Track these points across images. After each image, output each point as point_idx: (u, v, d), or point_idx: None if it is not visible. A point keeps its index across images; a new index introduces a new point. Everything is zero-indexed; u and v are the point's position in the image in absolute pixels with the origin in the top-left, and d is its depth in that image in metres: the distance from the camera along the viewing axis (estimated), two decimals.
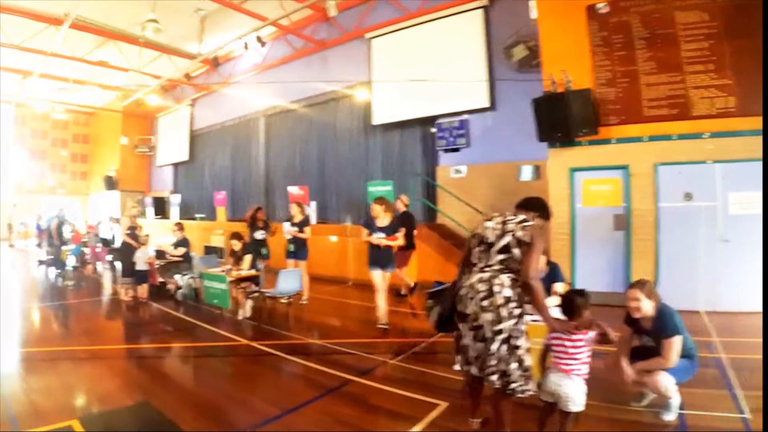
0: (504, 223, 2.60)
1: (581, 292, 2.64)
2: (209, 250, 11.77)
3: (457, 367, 2.79)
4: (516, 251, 2.47)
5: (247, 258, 5.75)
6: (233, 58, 13.94)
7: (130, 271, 6.83)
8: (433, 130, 9.35)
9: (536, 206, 2.81)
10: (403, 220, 6.73)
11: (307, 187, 10.04)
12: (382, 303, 5.04)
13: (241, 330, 5.13)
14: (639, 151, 6.42)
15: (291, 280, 5.35)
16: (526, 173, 8.42)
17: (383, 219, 5.11)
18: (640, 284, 3.02)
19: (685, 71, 6.15)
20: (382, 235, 5.02)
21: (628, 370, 2.86)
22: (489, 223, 2.66)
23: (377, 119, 9.97)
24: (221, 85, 14.24)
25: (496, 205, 8.40)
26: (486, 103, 8.74)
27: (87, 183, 19.36)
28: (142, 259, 6.76)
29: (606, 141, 6.65)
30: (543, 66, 7.07)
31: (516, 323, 2.41)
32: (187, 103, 16.08)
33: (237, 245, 5.88)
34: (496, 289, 2.42)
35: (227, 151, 14.72)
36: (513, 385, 2.39)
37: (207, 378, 3.89)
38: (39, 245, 12.79)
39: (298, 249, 6.94)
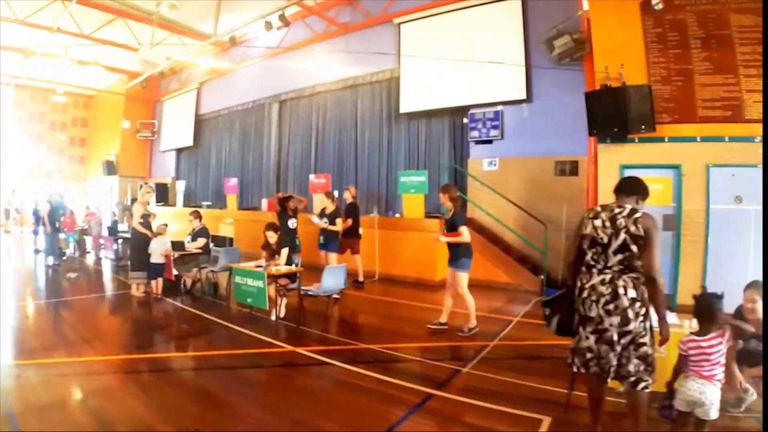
0: (613, 219, 2.44)
1: (717, 296, 2.47)
2: (218, 240, 11.27)
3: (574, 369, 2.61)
4: (634, 248, 2.38)
5: (284, 252, 5.28)
6: (245, 41, 13.32)
7: (142, 263, 6.20)
8: (465, 120, 8.96)
9: (638, 189, 2.62)
10: (349, 211, 7.04)
11: (329, 176, 9.55)
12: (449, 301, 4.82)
13: (279, 333, 4.68)
14: (691, 151, 6.20)
15: (337, 277, 4.91)
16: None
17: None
18: (757, 284, 2.84)
19: (740, 74, 6.00)
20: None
21: (739, 375, 2.73)
22: (596, 222, 2.49)
23: (404, 107, 9.53)
24: (232, 68, 13.65)
25: (530, 201, 8.35)
26: (522, 95, 8.37)
27: (85, 168, 18.57)
28: (157, 251, 6.14)
29: (659, 139, 6.37)
30: (594, 60, 6.78)
31: (642, 321, 2.38)
32: (193, 86, 15.41)
33: (272, 237, 5.36)
34: (620, 291, 2.37)
35: (236, 136, 14.15)
36: (642, 384, 2.36)
37: (265, 397, 3.32)
38: (35, 232, 12.12)
39: (329, 241, 6.58)
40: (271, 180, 12.64)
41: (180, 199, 13.78)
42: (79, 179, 18.20)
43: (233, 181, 11.56)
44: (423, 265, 7.52)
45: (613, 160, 6.70)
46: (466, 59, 8.70)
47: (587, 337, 2.47)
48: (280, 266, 5.08)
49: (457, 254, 4.81)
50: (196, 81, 15.28)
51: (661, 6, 6.46)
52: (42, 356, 3.82)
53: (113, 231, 10.10)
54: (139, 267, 6.28)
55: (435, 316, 4.99)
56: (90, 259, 10.22)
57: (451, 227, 4.83)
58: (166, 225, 6.59)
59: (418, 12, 9.44)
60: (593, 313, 2.43)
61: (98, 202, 15.99)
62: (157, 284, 6.21)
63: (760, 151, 5.85)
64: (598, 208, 2.55)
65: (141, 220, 6.36)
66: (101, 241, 10.39)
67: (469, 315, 4.75)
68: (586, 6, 7.05)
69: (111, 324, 5.38)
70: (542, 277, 7.36)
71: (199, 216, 7.05)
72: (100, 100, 17.94)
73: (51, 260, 9.13)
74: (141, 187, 7.98)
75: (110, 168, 16.47)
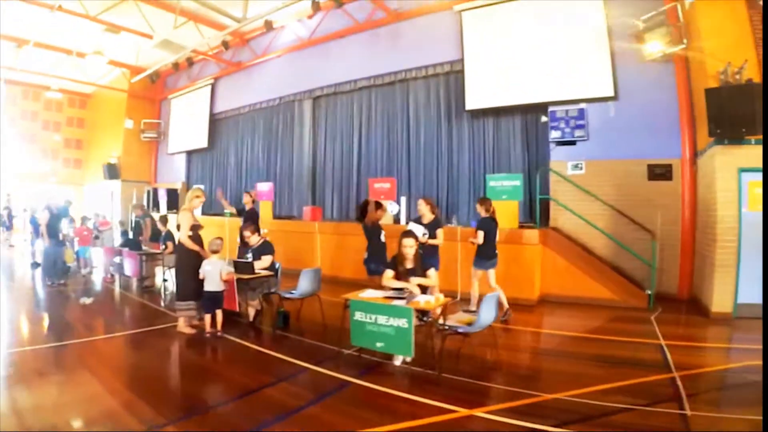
0: None
1: None
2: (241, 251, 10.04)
3: None
4: None
5: (433, 274, 4.07)
6: (279, 28, 12.09)
7: (192, 290, 4.78)
8: (544, 119, 8.00)
9: None
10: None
11: (394, 180, 8.41)
12: None
13: (422, 386, 3.45)
14: None
15: (491, 309, 3.79)
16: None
17: None
18: None
19: None
20: None
21: None
22: None
23: (470, 104, 8.51)
24: (260, 60, 12.41)
25: (621, 207, 7.46)
26: (609, 92, 7.48)
27: (82, 172, 16.94)
28: (214, 275, 4.74)
29: None
30: (702, 55, 6.18)
31: None
32: (207, 82, 14.08)
33: (411, 248, 4.02)
34: None
35: (259, 137, 12.89)
36: None
37: None
38: (32, 243, 10.59)
39: (429, 257, 5.42)
40: (305, 185, 11.45)
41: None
42: (76, 184, 16.56)
43: (267, 186, 10.26)
44: (518, 283, 6.51)
45: (730, 163, 5.99)
46: (537, 59, 7.83)
47: None
48: (429, 296, 3.80)
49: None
50: (210, 76, 13.96)
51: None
52: None
53: (133, 243, 8.62)
54: (187, 295, 4.84)
55: (578, 345, 4.44)
56: (97, 277, 8.71)
57: None
58: (221, 239, 5.11)
59: None
60: None
61: (99, 209, 14.45)
62: (215, 318, 4.80)
63: None
64: None
65: (190, 233, 4.85)
66: (118, 255, 9.05)
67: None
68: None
69: (163, 379, 3.80)
70: (649, 291, 6.47)
71: (257, 229, 5.79)
72: (99, 99, 16.40)
73: (51, 280, 7.67)
74: (187, 189, 6.60)
75: (112, 171, 14.98)
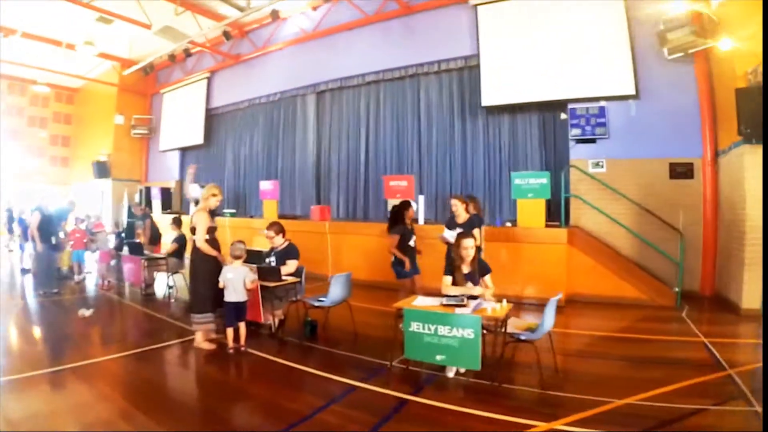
0: None
1: None
2: (251, 255, 9.58)
3: None
4: None
5: (487, 279, 3.79)
6: (269, 23, 11.68)
7: (209, 300, 4.29)
8: (564, 116, 7.83)
9: None
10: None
11: (412, 178, 8.08)
12: None
13: (486, 399, 3.18)
14: None
15: (551, 315, 3.54)
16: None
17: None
18: None
19: None
20: None
21: None
22: None
23: (486, 100, 8.28)
24: (255, 54, 11.95)
25: (643, 206, 7.37)
26: (630, 90, 7.36)
27: (69, 170, 16.15)
28: (237, 283, 4.23)
29: None
30: (733, 56, 6.08)
31: None
32: (202, 76, 13.52)
33: (471, 250, 3.71)
34: None
35: (259, 133, 12.43)
36: None
37: None
38: (22, 247, 9.94)
39: None
40: (309, 183, 11.07)
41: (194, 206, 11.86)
42: (63, 183, 15.76)
43: (273, 184, 9.81)
44: (546, 283, 6.31)
45: (759, 163, 5.86)
46: (555, 55, 7.67)
47: None
48: (493, 303, 3.45)
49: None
50: (206, 70, 13.42)
51: None
52: None
53: (134, 247, 8.03)
54: (205, 306, 4.31)
55: (623, 346, 4.32)
56: (92, 284, 8.00)
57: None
58: (243, 243, 4.55)
59: None
60: None
61: (89, 210, 13.77)
62: (239, 331, 4.31)
63: None
64: None
65: (208, 236, 4.33)
66: (115, 260, 8.57)
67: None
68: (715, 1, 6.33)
69: (192, 405, 3.34)
70: (677, 289, 6.39)
71: (281, 229, 5.21)
72: (87, 94, 15.63)
73: (43, 289, 6.97)
74: (200, 186, 5.51)
75: (102, 170, 14.30)
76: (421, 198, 7.62)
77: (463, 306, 3.37)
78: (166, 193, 13.36)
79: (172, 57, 11.33)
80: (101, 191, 14.78)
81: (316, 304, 4.56)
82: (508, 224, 7.02)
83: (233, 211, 11.53)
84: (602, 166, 7.58)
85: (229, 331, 4.27)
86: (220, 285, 4.23)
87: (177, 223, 7.54)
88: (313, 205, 9.69)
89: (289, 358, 4.13)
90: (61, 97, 15.97)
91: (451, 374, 3.62)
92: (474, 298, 3.63)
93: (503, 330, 3.48)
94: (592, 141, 7.66)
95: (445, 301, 3.48)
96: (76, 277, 8.17)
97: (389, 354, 3.82)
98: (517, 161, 8.37)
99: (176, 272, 7.03)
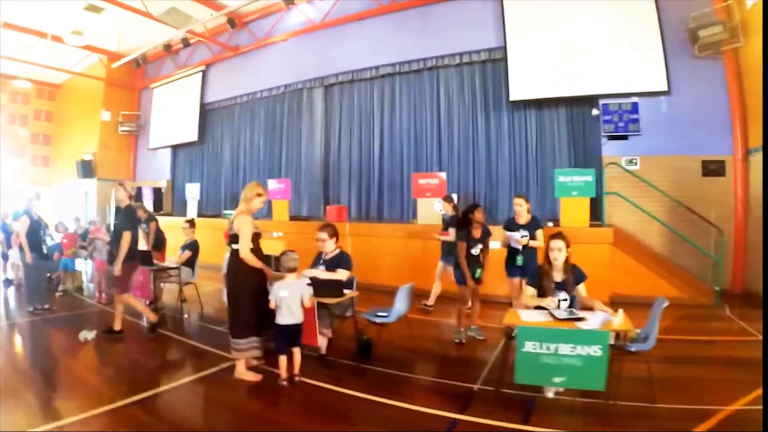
0: None
1: None
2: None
3: None
4: None
5: (583, 288, 3.41)
6: (271, 13, 11.05)
7: (252, 321, 3.57)
8: (595, 111, 7.59)
9: None
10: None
11: (444, 175, 7.57)
12: None
13: (609, 421, 2.86)
14: None
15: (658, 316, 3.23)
16: None
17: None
18: None
19: None
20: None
21: None
22: None
23: (514, 95, 7.96)
24: (258, 45, 11.29)
25: (676, 203, 7.23)
26: (662, 86, 7.19)
27: (50, 170, 15.01)
28: (293, 301, 3.47)
29: None
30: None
31: None
32: (196, 69, 12.73)
33: (561, 253, 3.33)
34: None
35: (260, 129, 11.77)
36: None
37: None
38: (5, 256, 8.93)
39: (529, 261, 4.80)
40: (317, 182, 10.53)
41: (193, 207, 11.15)
42: (44, 184, 14.62)
43: (284, 183, 9.15)
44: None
45: None
46: (593, 43, 7.43)
47: None
48: (608, 316, 3.07)
49: (450, 251, 5.38)
50: (200, 62, 12.64)
51: None
52: None
53: (145, 258, 6.96)
54: (249, 329, 3.57)
55: (691, 348, 4.18)
56: (85, 297, 7.04)
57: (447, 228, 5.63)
58: (295, 252, 3.75)
59: None
60: None
61: (72, 212, 12.81)
62: (293, 358, 3.53)
63: None
64: None
65: (252, 245, 3.60)
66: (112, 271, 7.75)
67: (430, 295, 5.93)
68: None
69: None
70: (717, 288, 6.27)
71: (335, 233, 4.37)
72: (70, 90, 14.54)
73: (35, 306, 5.96)
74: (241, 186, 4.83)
75: (86, 169, 13.33)
76: (454, 197, 7.22)
77: (581, 319, 3.01)
78: (156, 193, 12.55)
79: (167, 47, 10.57)
80: (84, 192, 13.78)
81: (378, 320, 4.05)
82: (550, 224, 6.74)
83: (233, 212, 10.85)
84: (636, 164, 7.39)
85: (282, 360, 3.52)
86: (271, 305, 3.50)
87: (191, 225, 6.55)
88: (329, 205, 9.19)
89: (354, 386, 3.49)
90: (42, 93, 14.81)
91: (551, 394, 3.23)
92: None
93: (623, 342, 3.15)
94: (624, 137, 7.46)
95: (558, 314, 3.10)
96: (69, 288, 7.39)
97: (461, 373, 3.44)
98: (544, 158, 8.11)
99: (188, 284, 6.22)
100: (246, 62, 11.75)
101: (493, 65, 8.40)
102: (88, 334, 4.70)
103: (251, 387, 3.50)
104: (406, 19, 9.14)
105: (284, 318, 3.49)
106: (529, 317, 3.13)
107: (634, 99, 7.41)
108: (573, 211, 6.26)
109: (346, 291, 4.12)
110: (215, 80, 12.52)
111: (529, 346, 2.89)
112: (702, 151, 7.15)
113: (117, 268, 4.78)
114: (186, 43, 10.74)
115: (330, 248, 4.32)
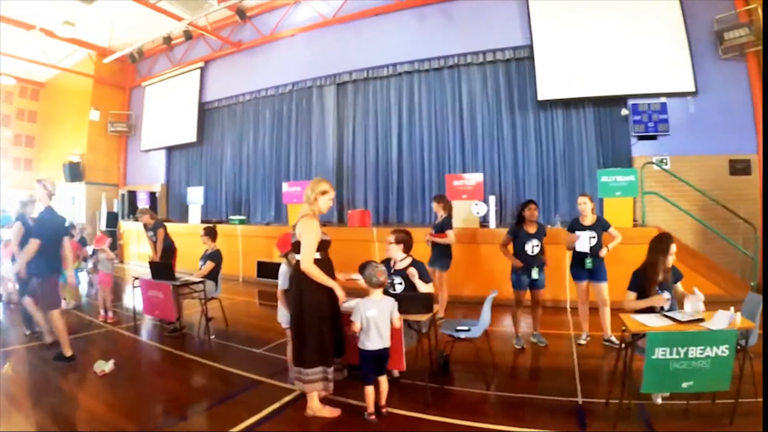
0: None
1: None
2: (264, 269, 8.52)
3: None
4: None
5: (681, 287, 3.41)
6: (278, 7, 10.58)
7: (324, 347, 3.08)
8: (625, 111, 7.56)
9: None
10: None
11: (480, 177, 7.24)
12: None
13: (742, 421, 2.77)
14: None
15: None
16: None
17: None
18: None
19: None
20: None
21: None
22: None
23: (542, 94, 7.83)
24: (267, 40, 10.79)
25: (706, 202, 7.30)
26: (690, 86, 7.24)
27: (33, 174, 13.93)
28: (383, 322, 3.04)
29: None
30: None
31: None
32: (195, 66, 12.09)
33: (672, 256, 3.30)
34: None
35: (265, 129, 11.26)
36: None
37: None
38: None
39: (598, 265, 4.64)
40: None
41: (196, 212, 10.54)
42: (26, 187, 13.57)
43: (296, 187, 8.70)
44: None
45: None
46: (621, 43, 7.41)
47: None
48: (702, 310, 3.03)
49: (442, 254, 5.44)
50: (198, 59, 12.01)
51: None
52: None
53: (160, 270, 5.94)
54: (320, 356, 3.06)
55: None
56: (89, 314, 6.30)
57: (440, 230, 5.47)
58: (380, 265, 3.22)
59: None
60: None
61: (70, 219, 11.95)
62: (380, 388, 3.10)
63: None
64: None
65: (318, 256, 3.05)
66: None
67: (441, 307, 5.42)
68: None
69: None
70: (753, 283, 6.38)
71: (406, 239, 3.88)
72: (56, 88, 13.58)
73: (31, 329, 5.16)
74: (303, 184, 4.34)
75: (74, 172, 12.46)
76: (492, 199, 7.03)
77: (701, 320, 2.88)
78: (150, 197, 11.84)
79: (168, 39, 9.91)
80: (72, 197, 12.89)
81: (462, 335, 3.75)
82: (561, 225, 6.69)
83: (242, 217, 10.35)
84: (666, 163, 7.40)
85: (369, 391, 3.05)
86: (355, 328, 3.02)
87: (212, 234, 5.75)
88: (350, 210, 8.83)
89: (449, 412, 3.11)
90: (25, 92, 13.76)
91: (659, 400, 3.14)
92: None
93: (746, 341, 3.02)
94: (653, 137, 7.47)
95: (680, 317, 2.96)
96: (69, 305, 6.69)
97: (552, 387, 3.31)
98: (572, 158, 8.03)
99: (211, 299, 5.46)
100: (249, 59, 11.23)
101: (518, 64, 8.26)
102: (104, 365, 3.99)
103: (329, 423, 3.03)
104: (425, 15, 8.89)
105: (373, 342, 3.03)
106: (653, 323, 2.96)
107: (663, 99, 7.43)
108: (616, 211, 6.17)
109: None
110: (215, 78, 11.92)
111: (660, 353, 2.73)
112: (728, 151, 7.24)
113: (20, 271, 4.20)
114: (188, 35, 10.09)
115: (400, 257, 3.87)
